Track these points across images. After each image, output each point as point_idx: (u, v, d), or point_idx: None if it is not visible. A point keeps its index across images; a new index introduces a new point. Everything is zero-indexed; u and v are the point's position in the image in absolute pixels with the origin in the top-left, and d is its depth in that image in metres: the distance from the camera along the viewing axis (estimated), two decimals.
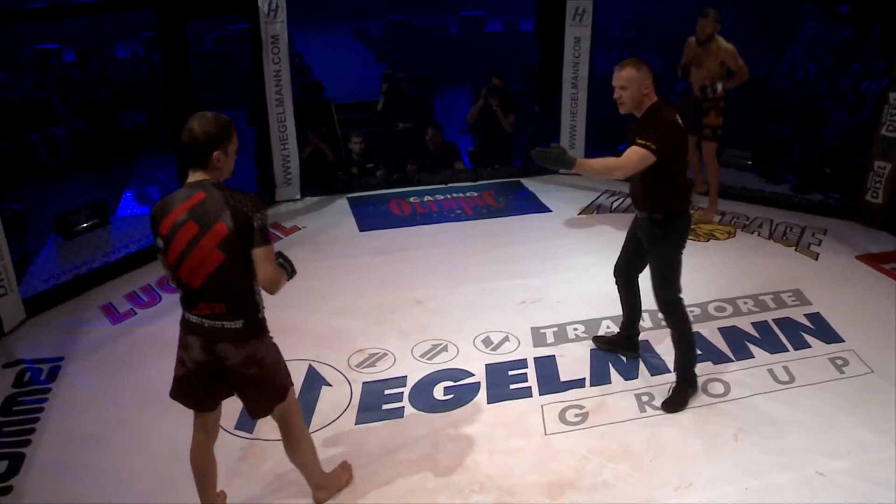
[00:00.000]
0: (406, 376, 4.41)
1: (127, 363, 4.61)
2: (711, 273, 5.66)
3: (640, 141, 3.72)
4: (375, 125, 8.85)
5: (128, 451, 3.85)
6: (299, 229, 6.60)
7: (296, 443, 3.21)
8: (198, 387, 2.98)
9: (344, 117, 9.64)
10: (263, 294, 2.96)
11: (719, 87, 6.09)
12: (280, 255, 2.98)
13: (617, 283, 4.48)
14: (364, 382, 4.36)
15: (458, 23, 15.16)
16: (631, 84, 3.74)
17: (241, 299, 2.87)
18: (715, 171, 6.60)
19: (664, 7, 10.96)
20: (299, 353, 4.52)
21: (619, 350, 4.63)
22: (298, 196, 7.23)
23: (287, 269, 3.00)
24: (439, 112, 10.01)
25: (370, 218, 6.84)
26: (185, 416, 3.06)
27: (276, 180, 7.13)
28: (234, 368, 2.91)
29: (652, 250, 4.06)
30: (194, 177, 2.83)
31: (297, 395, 3.28)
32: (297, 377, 4.31)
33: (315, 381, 4.38)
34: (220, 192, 2.80)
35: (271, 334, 3.06)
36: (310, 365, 4.51)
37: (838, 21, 11.75)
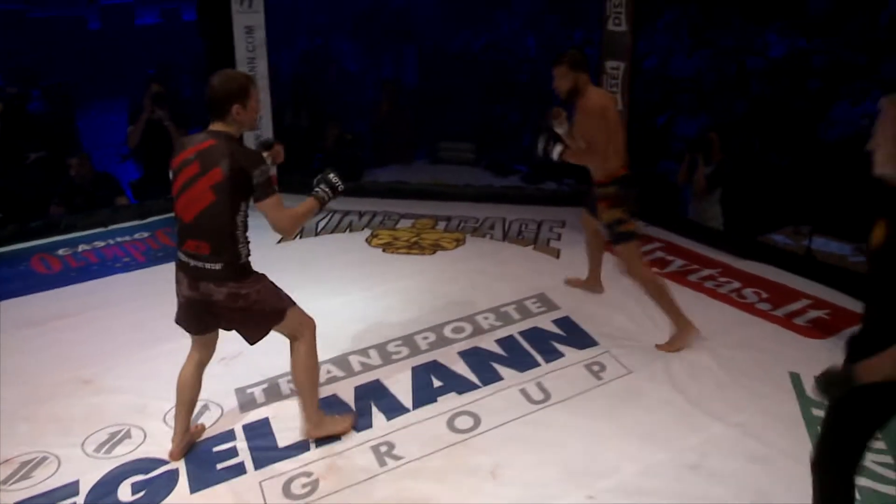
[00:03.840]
0: (78, 481, 4.14)
1: None
2: (443, 290, 5.95)
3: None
4: None
5: None
6: None
7: (298, 364, 4.18)
8: (191, 315, 4.01)
9: None
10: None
11: (558, 149, 5.10)
12: (326, 180, 4.02)
13: None
14: (17, 502, 4.04)
15: (98, 15, 14.60)
16: None
17: (224, 243, 3.78)
18: (650, 287, 5.22)
19: None
20: None
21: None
22: None
23: (327, 195, 4.01)
24: (87, 135, 9.69)
25: (5, 283, 6.46)
26: None
27: None
28: (219, 303, 3.87)
29: None
30: (213, 126, 3.78)
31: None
32: None
33: None
34: (227, 144, 3.71)
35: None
36: None
37: None
